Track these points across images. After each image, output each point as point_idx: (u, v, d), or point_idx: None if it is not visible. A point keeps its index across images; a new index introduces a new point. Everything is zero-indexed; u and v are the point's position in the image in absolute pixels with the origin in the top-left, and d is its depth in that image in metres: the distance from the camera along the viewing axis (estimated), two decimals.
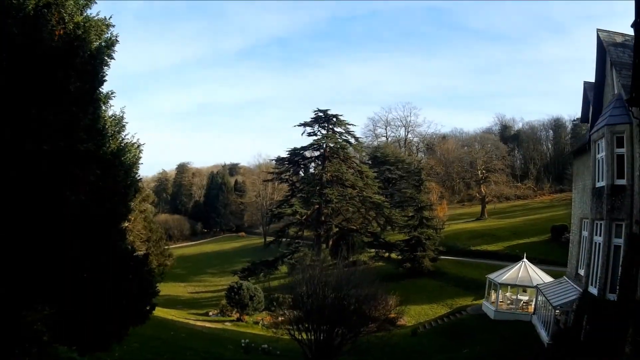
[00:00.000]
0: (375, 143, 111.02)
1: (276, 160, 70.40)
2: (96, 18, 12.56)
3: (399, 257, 61.62)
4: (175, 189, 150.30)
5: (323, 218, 62.40)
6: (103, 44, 12.73)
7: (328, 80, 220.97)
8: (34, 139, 9.94)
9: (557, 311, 24.05)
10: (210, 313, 49.24)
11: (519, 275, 34.25)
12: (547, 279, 32.82)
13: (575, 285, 24.57)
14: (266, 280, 58.53)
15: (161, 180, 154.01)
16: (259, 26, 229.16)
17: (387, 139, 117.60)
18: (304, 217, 61.23)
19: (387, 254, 65.39)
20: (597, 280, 19.78)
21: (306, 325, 26.57)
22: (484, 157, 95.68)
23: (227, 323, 44.23)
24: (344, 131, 66.02)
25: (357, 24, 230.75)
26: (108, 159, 12.89)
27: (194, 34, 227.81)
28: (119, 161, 13.93)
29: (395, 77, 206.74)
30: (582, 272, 23.25)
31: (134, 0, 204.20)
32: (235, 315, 46.21)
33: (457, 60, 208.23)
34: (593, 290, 20.39)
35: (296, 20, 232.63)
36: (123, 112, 15.03)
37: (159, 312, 35.55)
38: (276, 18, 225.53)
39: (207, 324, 42.87)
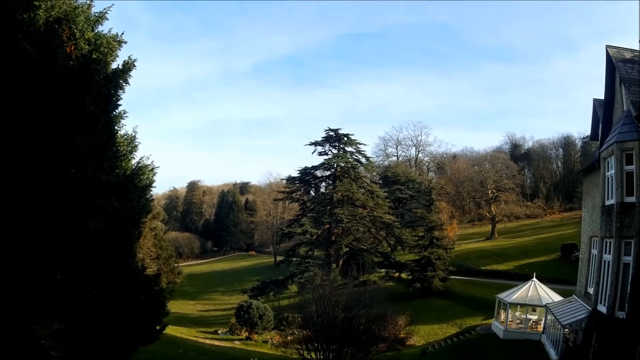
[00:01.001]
0: (386, 162, 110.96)
1: (287, 180, 70.22)
2: (108, 35, 12.65)
3: (409, 277, 61.25)
4: (185, 207, 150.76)
5: (333, 238, 62.40)
6: (120, 67, 12.88)
7: (339, 99, 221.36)
8: (62, 164, 10.10)
9: (566, 330, 23.96)
10: (220, 331, 49.03)
11: (529, 295, 34.09)
12: (557, 297, 32.63)
13: (584, 304, 24.38)
14: (276, 299, 58.27)
15: (172, 198, 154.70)
16: (271, 45, 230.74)
17: (397, 158, 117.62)
18: (314, 237, 61.19)
19: (397, 274, 65.25)
20: (607, 299, 19.66)
21: (315, 345, 26.65)
22: (494, 176, 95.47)
23: (236, 342, 43.99)
24: (354, 150, 66.12)
25: (368, 43, 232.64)
26: (122, 182, 13.03)
27: (206, 52, 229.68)
28: (133, 185, 14.10)
29: (406, 95, 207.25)
30: (591, 290, 23.10)
31: (146, 18, 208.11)
32: (244, 334, 46.06)
33: (469, 79, 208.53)
34: (602, 308, 20.25)
35: (307, 39, 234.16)
36: (135, 132, 15.28)
37: (168, 329, 35.20)
38: (288, 37, 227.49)
39: (216, 342, 42.85)
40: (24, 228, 9.78)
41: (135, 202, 14.21)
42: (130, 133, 15.10)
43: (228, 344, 42.34)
